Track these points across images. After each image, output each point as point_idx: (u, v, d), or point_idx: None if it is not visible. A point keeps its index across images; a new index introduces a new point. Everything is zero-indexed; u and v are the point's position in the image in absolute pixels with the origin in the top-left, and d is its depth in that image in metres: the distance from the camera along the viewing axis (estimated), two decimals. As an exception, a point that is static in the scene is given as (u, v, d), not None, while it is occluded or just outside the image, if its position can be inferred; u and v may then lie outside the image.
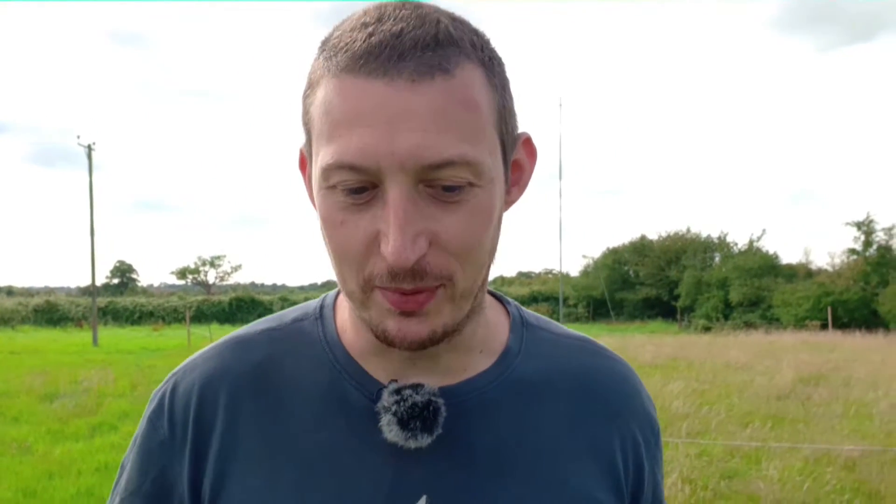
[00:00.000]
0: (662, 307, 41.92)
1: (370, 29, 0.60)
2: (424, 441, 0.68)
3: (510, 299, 0.83)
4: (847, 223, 30.56)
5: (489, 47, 0.65)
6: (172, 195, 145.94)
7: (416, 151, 0.58)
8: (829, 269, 31.74)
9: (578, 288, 46.82)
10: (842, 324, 26.79)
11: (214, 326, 34.80)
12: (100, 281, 73.75)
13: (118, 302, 46.77)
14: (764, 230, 47.54)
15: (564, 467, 0.73)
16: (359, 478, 0.69)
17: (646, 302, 43.14)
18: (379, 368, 0.72)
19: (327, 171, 0.61)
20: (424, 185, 0.60)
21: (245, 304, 47.34)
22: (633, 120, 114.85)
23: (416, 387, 0.69)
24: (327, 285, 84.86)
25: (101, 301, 38.52)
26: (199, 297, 50.42)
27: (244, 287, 68.08)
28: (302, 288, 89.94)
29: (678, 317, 39.11)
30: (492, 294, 0.80)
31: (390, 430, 0.68)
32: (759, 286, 33.44)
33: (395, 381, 0.70)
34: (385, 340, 0.65)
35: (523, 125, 0.70)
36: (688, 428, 7.75)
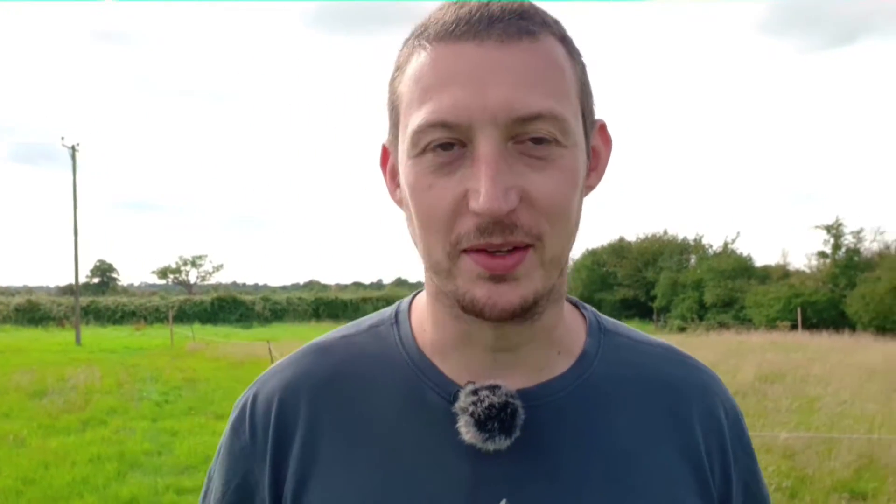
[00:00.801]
0: (640, 307, 42.58)
1: (460, 3, 0.64)
2: (503, 443, 0.67)
3: (587, 305, 0.83)
4: (817, 227, 31.37)
5: (567, 32, 0.68)
6: (153, 195, 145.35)
7: (506, 105, 0.60)
8: (807, 270, 32.45)
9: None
10: (811, 324, 27.47)
11: (196, 326, 35.04)
12: (80, 280, 73.85)
13: (100, 301, 46.79)
14: (738, 233, 48.49)
15: (647, 474, 0.71)
16: (438, 479, 0.69)
17: (623, 302, 43.76)
18: (456, 368, 0.72)
19: (419, 132, 0.62)
20: (514, 142, 0.61)
21: (227, 304, 47.47)
22: (614, 121, 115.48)
23: (494, 388, 0.68)
24: (309, 285, 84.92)
25: (83, 301, 38.58)
26: (181, 297, 50.48)
27: (226, 287, 68.06)
28: (284, 288, 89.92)
29: (655, 317, 39.82)
30: (568, 299, 0.80)
31: (468, 432, 0.67)
32: (732, 287, 34.20)
33: (472, 382, 0.70)
34: (473, 310, 0.64)
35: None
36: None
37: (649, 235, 45.48)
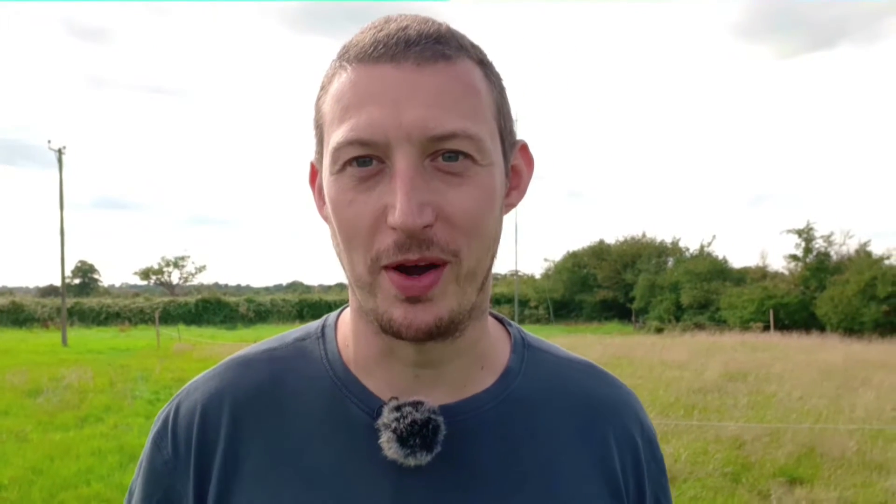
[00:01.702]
0: (619, 309, 43.39)
1: (378, 27, 0.66)
2: (424, 459, 0.68)
3: (512, 321, 0.84)
4: (788, 230, 32.24)
5: (486, 56, 0.70)
6: (133, 194, 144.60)
7: (421, 123, 0.62)
8: (785, 272, 33.20)
9: (539, 290, 48.14)
10: (783, 325, 28.31)
11: (181, 327, 35.31)
12: (60, 281, 73.62)
13: (84, 303, 46.76)
14: (714, 236, 49.60)
15: (566, 486, 0.73)
16: (360, 495, 0.69)
17: (603, 304, 44.58)
18: (381, 384, 0.73)
19: (338, 149, 0.64)
20: (430, 159, 0.63)
21: (211, 306, 47.63)
22: (596, 124, 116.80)
23: (416, 404, 0.69)
24: (293, 286, 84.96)
25: (68, 302, 38.70)
26: (166, 299, 50.60)
27: (209, 288, 68.17)
28: (267, 289, 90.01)
29: (633, 318, 40.58)
30: (493, 315, 0.81)
31: (390, 448, 0.68)
32: (708, 289, 35.02)
33: (396, 398, 0.70)
34: (391, 330, 0.65)
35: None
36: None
37: (628, 238, 46.47)
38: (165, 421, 0.77)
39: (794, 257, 32.52)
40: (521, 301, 47.16)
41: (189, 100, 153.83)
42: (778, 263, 33.65)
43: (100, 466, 7.08)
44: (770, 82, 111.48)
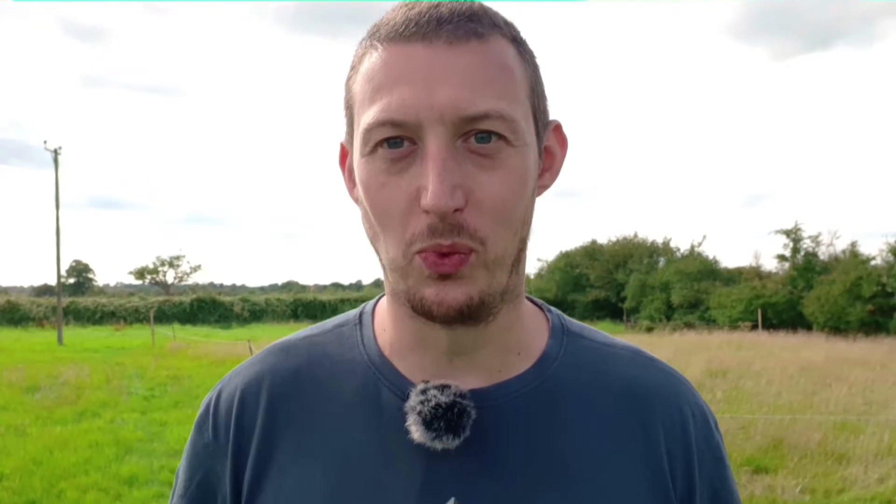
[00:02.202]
0: (611, 308, 43.68)
1: (410, 5, 0.65)
2: (451, 443, 0.67)
3: (552, 307, 0.82)
4: (777, 231, 32.57)
5: (520, 33, 0.69)
6: (127, 193, 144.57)
7: (453, 104, 0.61)
8: (779, 272, 33.53)
9: (533, 289, 48.47)
10: (771, 325, 28.68)
11: (176, 326, 35.55)
12: (55, 280, 73.61)
13: (80, 302, 47.05)
14: (705, 236, 49.90)
15: (604, 480, 0.70)
16: (388, 477, 0.70)
17: (595, 303, 44.85)
18: (415, 368, 0.73)
19: (369, 130, 0.63)
20: (462, 140, 0.62)
21: (206, 305, 47.88)
22: (590, 124, 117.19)
23: (443, 387, 0.69)
24: (287, 286, 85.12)
25: (63, 301, 38.90)
26: (161, 298, 50.80)
27: (204, 287, 68.32)
28: (262, 289, 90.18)
29: (625, 317, 40.92)
30: (532, 301, 0.81)
31: (416, 431, 0.68)
32: (698, 289, 35.33)
33: (427, 381, 0.70)
34: (423, 309, 0.65)
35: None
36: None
37: (620, 238, 46.60)
38: (207, 406, 0.79)
39: (781, 257, 32.89)
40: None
41: (184, 99, 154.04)
42: (771, 263, 33.99)
43: (97, 458, 7.37)
44: (765, 83, 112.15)
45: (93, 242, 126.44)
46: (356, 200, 0.72)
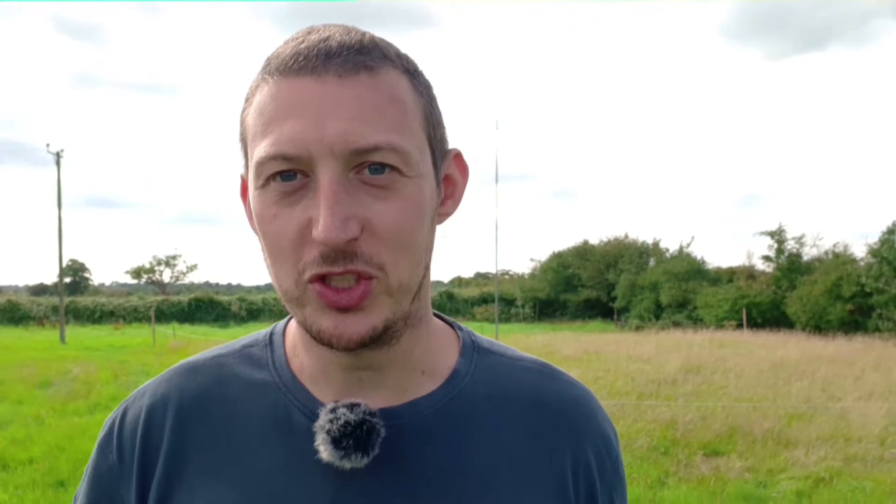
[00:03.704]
0: (602, 308, 44.47)
1: (300, 39, 0.66)
2: (360, 461, 0.67)
3: (463, 325, 0.83)
4: (762, 232, 33.43)
5: (414, 64, 0.69)
6: (122, 192, 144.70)
7: (344, 137, 0.61)
8: (769, 271, 34.30)
9: (525, 289, 49.23)
10: (755, 324, 29.49)
11: (175, 325, 36.15)
12: (51, 280, 74.14)
13: (79, 301, 47.57)
14: (693, 237, 50.84)
15: (512, 493, 0.72)
16: (297, 499, 0.70)
17: (587, 303, 45.67)
18: (325, 389, 0.73)
19: (261, 164, 0.63)
20: (355, 172, 0.62)
21: (204, 304, 48.38)
22: (585, 124, 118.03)
23: (352, 406, 0.68)
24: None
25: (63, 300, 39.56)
26: (160, 297, 51.38)
27: (200, 287, 68.83)
28: (258, 288, 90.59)
29: (615, 317, 41.73)
30: (442, 319, 0.81)
31: (325, 450, 0.67)
32: (686, 289, 36.13)
33: (337, 401, 0.70)
34: (321, 340, 0.65)
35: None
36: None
37: (611, 239, 47.47)
38: (111, 427, 0.77)
39: (766, 258, 33.76)
40: (508, 300, 48.26)
41: (179, 98, 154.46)
42: (762, 264, 34.73)
43: (115, 444, 8.05)
44: (759, 84, 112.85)
45: (88, 241, 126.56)
46: (255, 232, 0.71)
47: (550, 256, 50.30)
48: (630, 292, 40.34)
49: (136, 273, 71.50)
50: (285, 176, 0.63)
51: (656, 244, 44.74)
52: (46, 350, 22.39)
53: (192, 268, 71.70)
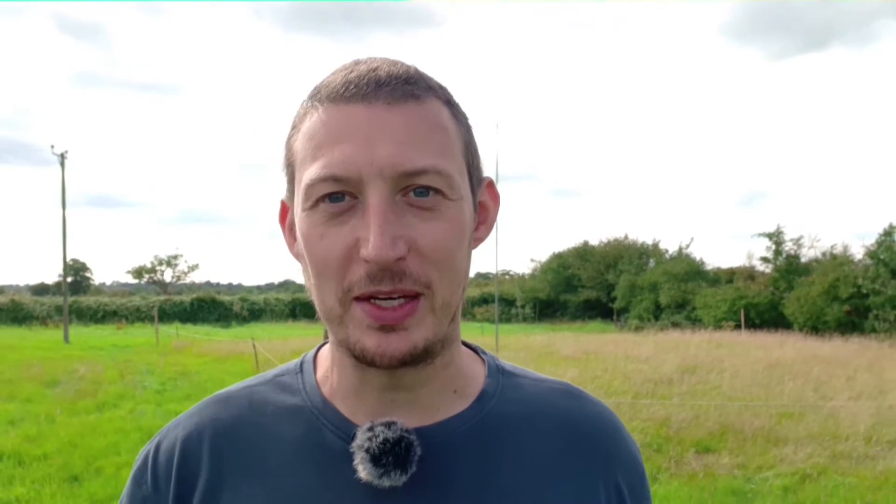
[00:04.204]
0: (601, 308, 44.74)
1: (349, 69, 0.69)
2: (398, 479, 0.68)
3: (486, 350, 0.85)
4: (760, 234, 33.65)
5: (453, 97, 0.73)
6: (123, 192, 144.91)
7: (393, 160, 0.64)
8: (769, 272, 34.52)
9: (526, 290, 49.50)
10: (753, 325, 29.70)
11: (178, 325, 36.38)
12: (52, 279, 74.50)
13: (82, 301, 47.86)
14: (692, 238, 51.02)
15: None
16: None
17: (587, 303, 45.94)
18: (357, 410, 0.74)
19: (311, 185, 0.65)
20: (401, 195, 0.65)
21: (206, 304, 48.66)
22: (585, 124, 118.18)
23: (389, 424, 0.69)
24: (284, 285, 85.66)
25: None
26: (162, 297, 51.59)
27: (201, 287, 69.00)
28: (259, 288, 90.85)
29: (615, 317, 41.97)
30: (466, 345, 0.83)
31: (364, 468, 0.68)
32: (685, 290, 36.38)
33: (372, 421, 0.71)
34: (364, 358, 0.66)
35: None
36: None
37: (611, 240, 47.77)
38: (146, 459, 0.78)
39: (764, 259, 34.00)
40: (508, 301, 48.50)
41: (181, 97, 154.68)
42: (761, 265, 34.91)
43: (125, 441, 8.27)
44: (760, 84, 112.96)
45: (89, 241, 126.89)
46: (296, 256, 0.73)
47: (550, 257, 50.64)
48: (629, 293, 40.59)
49: (138, 273, 71.67)
50: (334, 197, 0.66)
51: (656, 245, 45.07)
52: (51, 349, 22.59)
53: (193, 268, 71.92)
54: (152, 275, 71.33)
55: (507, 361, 0.87)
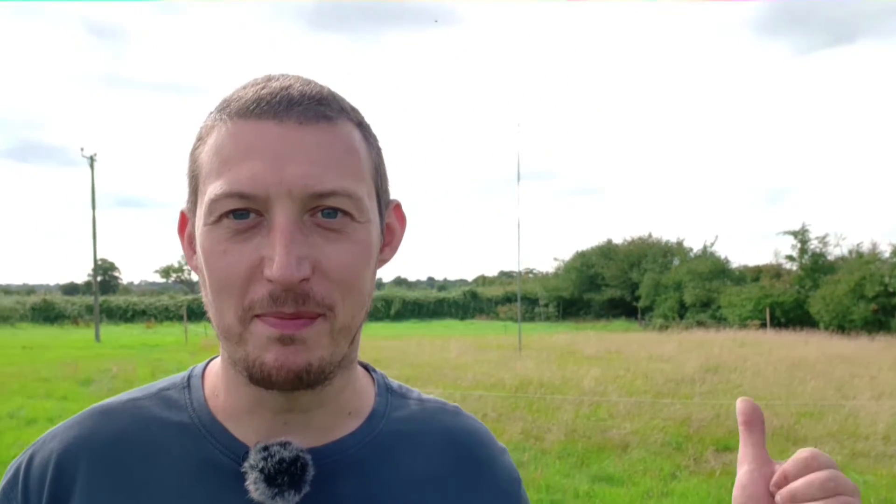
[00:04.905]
0: (625, 307, 44.62)
1: (261, 84, 0.68)
2: (292, 499, 0.68)
3: (375, 368, 0.86)
4: (785, 232, 33.46)
5: (363, 117, 0.73)
6: (149, 192, 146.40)
7: (303, 180, 0.63)
8: (794, 270, 34.31)
9: (549, 288, 49.53)
10: (779, 323, 29.62)
11: (206, 324, 36.80)
12: (82, 279, 75.66)
13: (112, 300, 48.78)
14: (717, 236, 50.74)
15: None
16: None
17: (611, 302, 45.84)
18: (248, 431, 0.73)
19: (215, 201, 0.64)
20: (309, 215, 0.64)
21: (233, 304, 49.18)
22: (608, 121, 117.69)
23: (284, 444, 0.69)
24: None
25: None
26: (189, 297, 52.29)
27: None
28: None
29: (639, 316, 41.89)
30: (359, 363, 0.82)
31: (256, 488, 0.67)
32: (709, 288, 36.26)
33: (266, 441, 0.70)
34: (262, 374, 0.65)
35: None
36: (589, 400, 10.36)
37: (635, 238, 47.60)
38: (17, 472, 0.74)
39: (790, 258, 33.79)
40: (532, 299, 48.57)
41: (205, 98, 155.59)
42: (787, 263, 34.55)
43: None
44: (787, 79, 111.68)
45: (117, 241, 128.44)
46: (195, 269, 0.72)
47: (574, 255, 50.53)
48: (654, 292, 40.49)
49: (165, 272, 72.60)
50: (238, 214, 0.64)
51: (680, 243, 44.88)
52: (83, 348, 23.02)
53: (220, 267, 72.37)
54: (180, 274, 72.18)
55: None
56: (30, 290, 72.49)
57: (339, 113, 0.68)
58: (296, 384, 0.66)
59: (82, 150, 32.06)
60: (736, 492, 0.68)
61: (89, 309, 42.89)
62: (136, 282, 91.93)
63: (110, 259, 79.62)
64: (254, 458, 0.69)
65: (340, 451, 0.75)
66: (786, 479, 0.65)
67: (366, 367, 0.85)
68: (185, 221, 0.75)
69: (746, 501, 0.67)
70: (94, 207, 32.04)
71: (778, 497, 0.64)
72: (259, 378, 0.66)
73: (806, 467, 0.64)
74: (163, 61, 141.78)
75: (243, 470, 0.69)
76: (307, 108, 0.66)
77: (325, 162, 0.65)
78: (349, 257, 0.66)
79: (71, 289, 74.69)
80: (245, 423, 0.73)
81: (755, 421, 0.70)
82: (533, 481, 6.36)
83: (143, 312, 47.16)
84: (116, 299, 50.20)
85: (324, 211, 0.65)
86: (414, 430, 0.81)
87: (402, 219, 0.80)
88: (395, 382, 0.86)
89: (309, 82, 0.69)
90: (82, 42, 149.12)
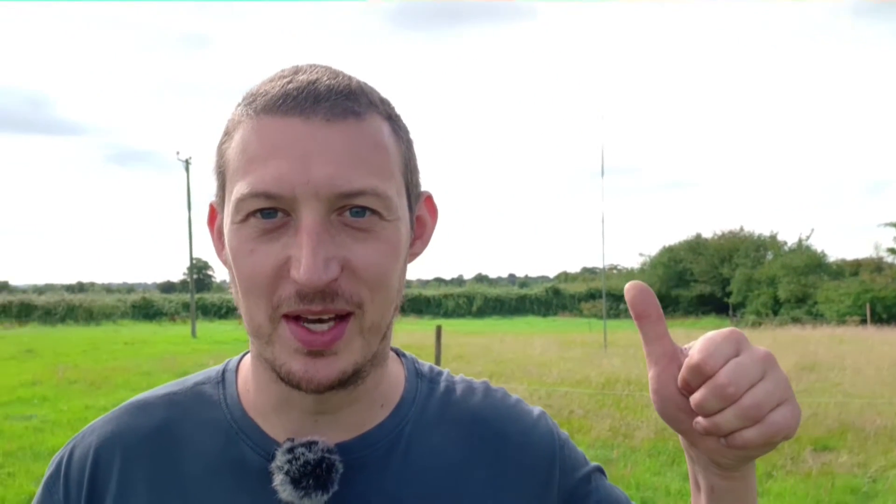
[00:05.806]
0: (716, 303, 43.51)
1: (288, 78, 0.66)
2: (320, 500, 0.68)
3: (405, 352, 0.84)
4: (887, 223, 31.86)
5: (395, 110, 0.71)
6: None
7: (330, 181, 0.62)
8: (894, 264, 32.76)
9: (636, 284, 48.58)
10: (881, 319, 28.28)
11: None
12: (178, 278, 78.66)
13: (206, 298, 50.65)
14: (812, 229, 48.81)
15: None
16: None
17: (700, 298, 44.77)
18: (278, 427, 0.73)
19: (241, 201, 0.63)
20: (336, 214, 0.63)
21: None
22: (700, 112, 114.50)
23: (310, 444, 0.69)
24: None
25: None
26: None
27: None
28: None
29: (730, 313, 40.69)
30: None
31: (284, 490, 0.67)
32: (805, 283, 35.02)
33: (292, 439, 0.70)
34: (290, 382, 0.65)
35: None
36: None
37: (726, 232, 46.31)
38: (58, 465, 0.76)
39: (891, 250, 32.19)
40: (617, 296, 47.82)
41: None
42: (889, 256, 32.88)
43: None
44: (888, 66, 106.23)
45: (209, 241, 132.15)
46: (224, 263, 0.71)
47: (661, 251, 49.57)
48: (746, 287, 39.33)
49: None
50: (266, 213, 0.63)
51: (773, 237, 43.45)
52: (181, 344, 23.84)
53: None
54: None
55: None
56: (130, 288, 76.09)
57: (368, 107, 0.67)
58: (327, 391, 0.66)
59: (178, 153, 33.53)
60: (653, 398, 0.66)
61: (185, 306, 44.71)
62: (229, 280, 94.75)
63: (204, 258, 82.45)
64: (280, 459, 0.69)
65: (369, 444, 0.74)
66: (688, 386, 0.62)
67: (396, 353, 0.84)
68: (214, 214, 0.75)
69: (664, 407, 0.65)
70: (189, 209, 33.45)
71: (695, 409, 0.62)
72: (288, 383, 0.66)
73: (700, 374, 0.60)
74: (251, 66, 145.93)
75: (270, 470, 0.69)
76: (334, 104, 0.64)
77: (352, 160, 0.63)
78: (378, 256, 0.65)
79: (168, 287, 77.81)
80: (275, 419, 0.74)
81: (650, 310, 0.65)
82: (622, 478, 6.29)
83: (236, 309, 48.12)
84: (211, 296, 52.05)
85: (352, 210, 0.64)
86: (442, 415, 0.79)
87: (433, 211, 0.78)
88: (425, 365, 0.85)
89: (337, 75, 0.68)
90: (174, 52, 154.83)
